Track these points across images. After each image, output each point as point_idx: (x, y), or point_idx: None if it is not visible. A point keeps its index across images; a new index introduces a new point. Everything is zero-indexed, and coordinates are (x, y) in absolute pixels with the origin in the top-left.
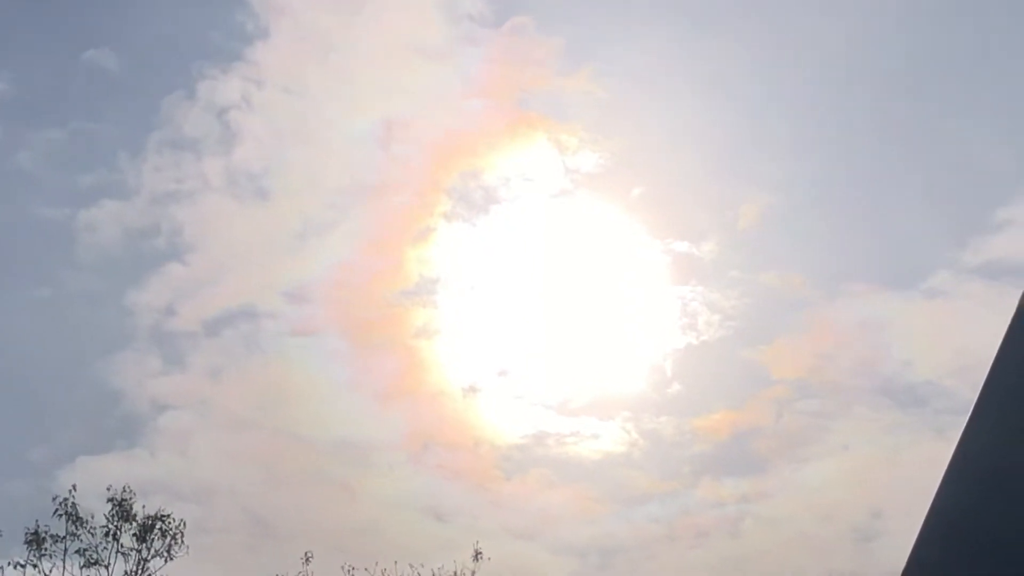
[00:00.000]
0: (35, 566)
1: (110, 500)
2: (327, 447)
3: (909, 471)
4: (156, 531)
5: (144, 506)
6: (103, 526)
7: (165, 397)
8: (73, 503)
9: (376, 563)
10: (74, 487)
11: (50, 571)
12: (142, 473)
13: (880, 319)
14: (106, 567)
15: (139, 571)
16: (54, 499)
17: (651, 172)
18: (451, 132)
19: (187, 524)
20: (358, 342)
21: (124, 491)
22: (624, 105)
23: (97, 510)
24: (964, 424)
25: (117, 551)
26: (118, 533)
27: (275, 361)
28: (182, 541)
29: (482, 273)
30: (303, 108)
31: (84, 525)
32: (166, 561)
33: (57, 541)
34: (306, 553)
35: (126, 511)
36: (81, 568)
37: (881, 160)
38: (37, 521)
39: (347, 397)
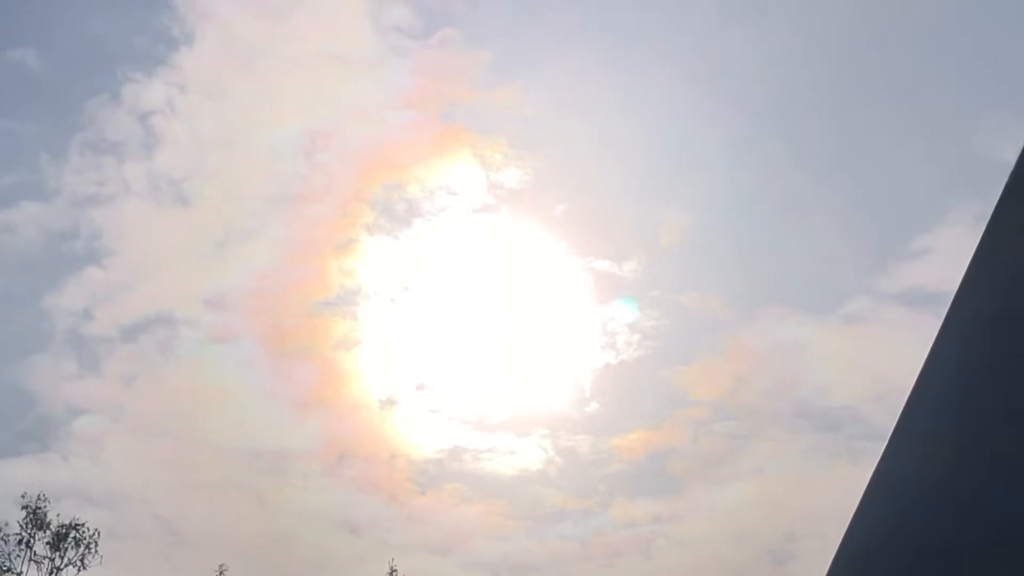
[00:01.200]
0: None
1: (24, 507)
2: (242, 456)
3: (823, 495)
4: (70, 540)
5: (59, 514)
6: (16, 534)
7: (79, 402)
8: None
9: None
10: None
11: None
12: (54, 477)
13: (798, 343)
14: (18, 575)
15: None
16: None
17: (575, 189)
18: (375, 143)
19: (99, 530)
20: (277, 351)
21: (39, 499)
22: (550, 121)
23: (7, 514)
24: (880, 451)
25: (30, 559)
26: (31, 541)
27: (192, 368)
28: (96, 550)
29: (403, 286)
30: (227, 115)
31: None
32: (79, 570)
33: None
34: (220, 566)
35: (40, 519)
36: None
37: (802, 184)
38: None
39: (264, 406)
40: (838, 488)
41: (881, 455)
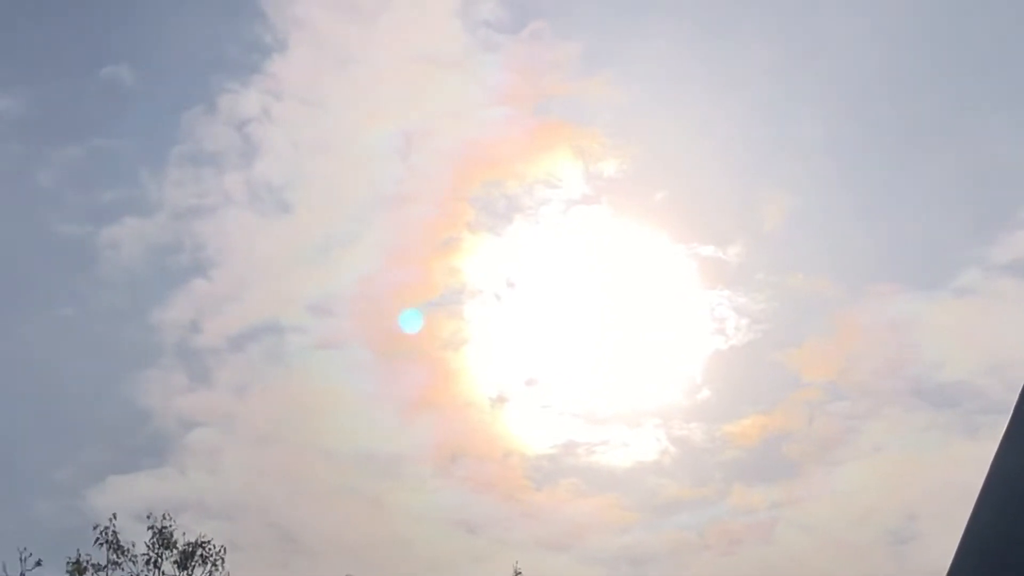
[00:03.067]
0: None
1: (150, 528)
2: (355, 460)
3: (943, 472)
4: (197, 557)
5: (184, 533)
6: (144, 554)
7: (192, 414)
8: (114, 531)
9: None
10: (114, 516)
11: None
12: (171, 491)
13: (909, 319)
14: None
15: None
16: (95, 528)
17: (674, 175)
18: (472, 141)
19: (225, 547)
20: (384, 354)
21: (164, 518)
22: (644, 108)
23: (129, 529)
24: (999, 424)
25: None
26: (159, 561)
27: (301, 375)
28: (222, 566)
29: (508, 282)
30: (323, 120)
31: (125, 554)
32: None
33: (99, 570)
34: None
35: (166, 538)
36: None
37: (904, 157)
38: (79, 551)
39: (374, 409)
40: (958, 464)
41: (1003, 435)
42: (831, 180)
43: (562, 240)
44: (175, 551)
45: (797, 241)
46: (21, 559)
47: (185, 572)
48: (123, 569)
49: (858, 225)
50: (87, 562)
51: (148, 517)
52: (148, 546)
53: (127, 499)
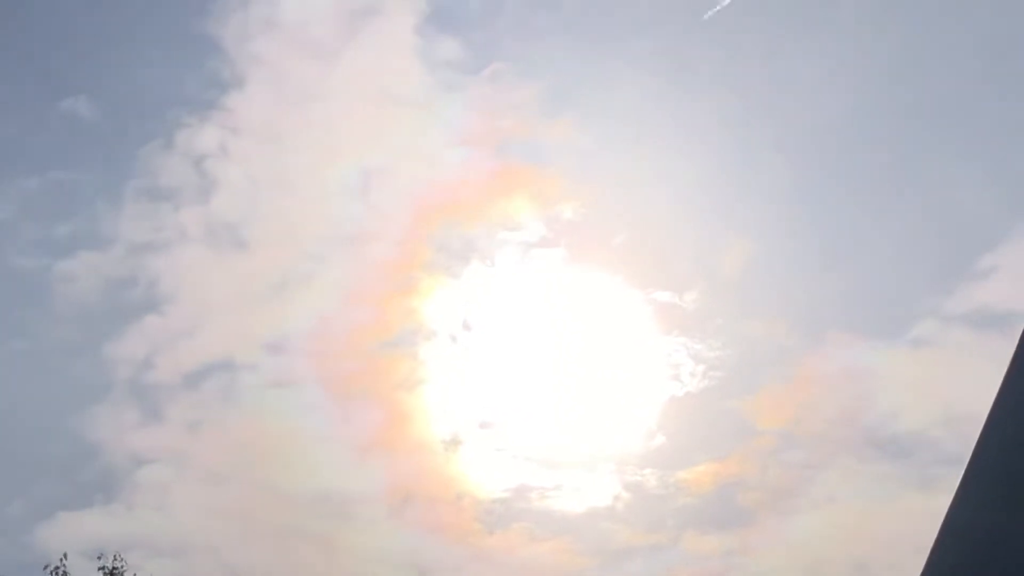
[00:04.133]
0: None
1: (101, 568)
2: (307, 501)
3: (895, 523)
4: None
5: (136, 574)
6: None
7: (143, 451)
8: (64, 572)
9: None
10: (65, 556)
11: None
12: (121, 528)
13: (865, 368)
14: None
15: None
16: (45, 568)
17: (632, 220)
18: (431, 182)
19: None
20: (339, 394)
21: (115, 558)
22: (604, 152)
23: (78, 567)
24: (952, 476)
25: None
26: None
27: (255, 414)
28: None
29: (464, 324)
30: (281, 157)
31: None
32: None
33: None
34: None
35: None
36: None
37: (864, 206)
38: None
39: (327, 449)
40: (911, 516)
41: (955, 493)
42: (791, 228)
43: (519, 283)
44: None
45: (755, 288)
46: None
47: None
48: None
49: (817, 273)
50: None
51: (99, 558)
52: None
53: (76, 535)
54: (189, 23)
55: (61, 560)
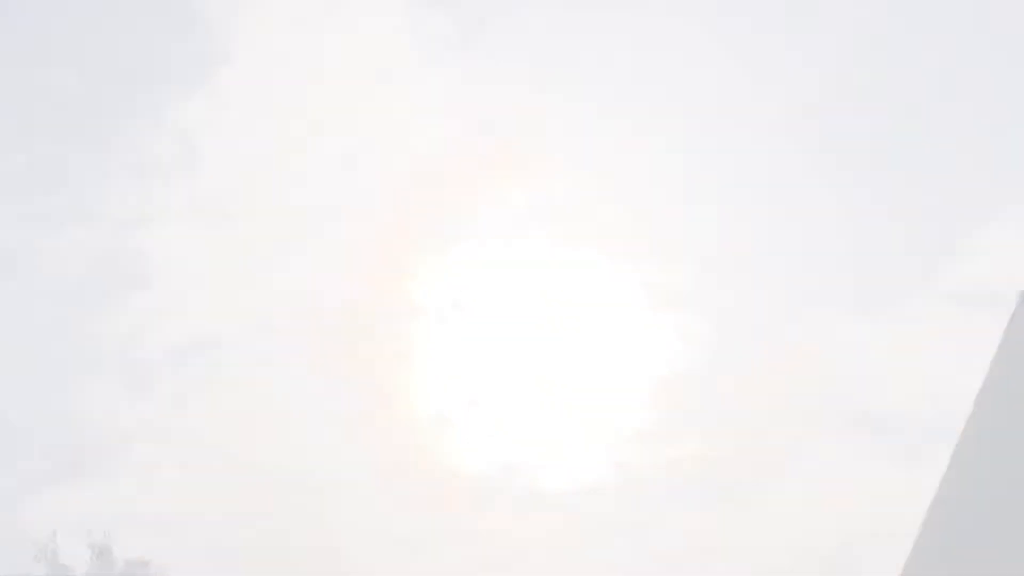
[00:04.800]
0: None
1: (90, 546)
2: (293, 476)
3: (883, 499)
4: None
5: (124, 549)
6: (85, 574)
7: (129, 426)
8: (53, 551)
9: None
10: (55, 532)
11: None
12: (105, 504)
13: (851, 345)
14: None
15: None
16: (35, 546)
17: (622, 198)
18: (422, 157)
19: (150, 557)
20: (325, 371)
21: (105, 536)
22: (597, 127)
23: (65, 543)
24: (938, 453)
25: None
26: None
27: (241, 390)
28: None
29: (453, 302)
30: (268, 132)
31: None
32: None
33: None
34: None
35: (106, 558)
36: None
37: (851, 184)
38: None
39: (314, 426)
40: (898, 491)
41: (948, 464)
42: (776, 207)
43: (508, 260)
44: (115, 570)
45: (742, 266)
46: None
47: None
48: None
49: (804, 251)
50: None
51: (88, 534)
52: (90, 563)
53: (62, 511)
54: None
55: (51, 538)
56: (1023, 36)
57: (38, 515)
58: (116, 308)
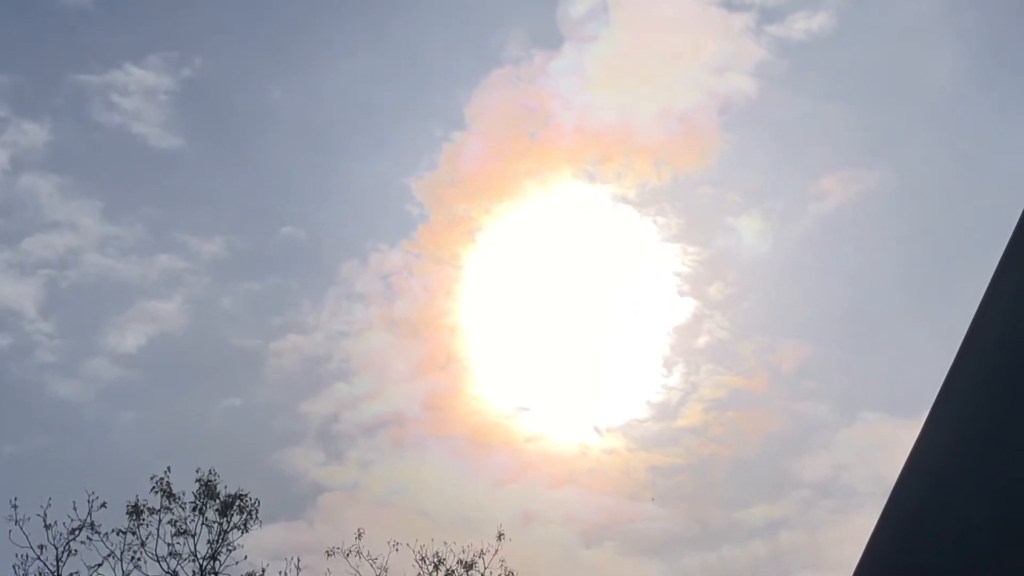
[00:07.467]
0: (134, 533)
1: (198, 480)
2: (448, 521)
3: None
4: (235, 508)
5: (226, 486)
6: (191, 502)
7: (325, 482)
8: (168, 482)
9: None
10: (168, 468)
11: (146, 537)
12: (301, 539)
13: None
14: (193, 536)
15: (220, 540)
16: (151, 478)
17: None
18: None
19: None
20: (480, 443)
21: (211, 473)
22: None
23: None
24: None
25: (202, 523)
26: (204, 508)
27: (415, 456)
28: (256, 516)
29: None
30: (453, 275)
31: (176, 500)
32: (242, 533)
33: (153, 513)
34: None
35: (211, 490)
36: (172, 536)
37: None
38: (137, 496)
39: (468, 484)
40: None
41: (917, 437)
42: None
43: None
44: (217, 501)
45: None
46: (88, 501)
47: (225, 519)
48: (173, 513)
49: (857, 360)
50: (144, 506)
51: (196, 471)
52: (195, 496)
53: (266, 542)
54: (391, 175)
55: (165, 472)
56: None
57: (249, 545)
58: (323, 395)
